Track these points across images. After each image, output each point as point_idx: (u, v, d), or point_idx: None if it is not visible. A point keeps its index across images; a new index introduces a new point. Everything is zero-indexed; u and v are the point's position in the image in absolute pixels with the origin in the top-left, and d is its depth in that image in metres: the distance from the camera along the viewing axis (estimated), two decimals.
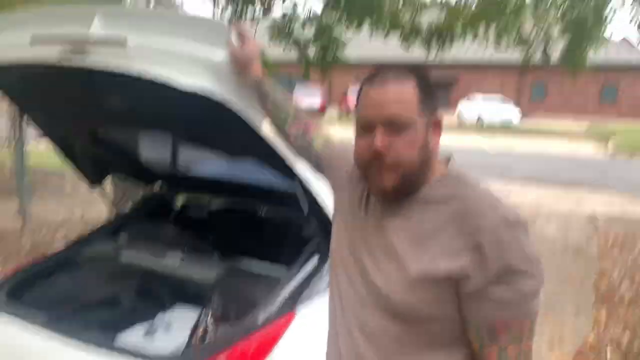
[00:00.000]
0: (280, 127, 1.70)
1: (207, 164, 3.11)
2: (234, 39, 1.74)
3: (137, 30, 1.84)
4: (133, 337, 2.26)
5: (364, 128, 1.19)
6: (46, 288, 2.39)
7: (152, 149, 2.92)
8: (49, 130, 2.60)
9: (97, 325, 2.28)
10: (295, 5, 5.51)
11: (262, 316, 2.04)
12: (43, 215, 6.49)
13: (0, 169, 8.38)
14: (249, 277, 2.40)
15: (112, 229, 2.88)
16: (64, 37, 1.95)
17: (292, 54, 5.94)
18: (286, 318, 2.06)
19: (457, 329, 1.17)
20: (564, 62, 5.31)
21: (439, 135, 1.22)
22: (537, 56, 5.59)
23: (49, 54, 1.96)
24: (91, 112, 2.31)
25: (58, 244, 5.40)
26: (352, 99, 26.80)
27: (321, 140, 1.62)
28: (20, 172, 5.85)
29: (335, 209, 1.49)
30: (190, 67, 1.76)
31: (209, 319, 2.02)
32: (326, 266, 2.35)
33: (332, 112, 29.55)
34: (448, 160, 1.29)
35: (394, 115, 1.15)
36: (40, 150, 9.03)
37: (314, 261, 2.33)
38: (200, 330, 2.00)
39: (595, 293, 5.01)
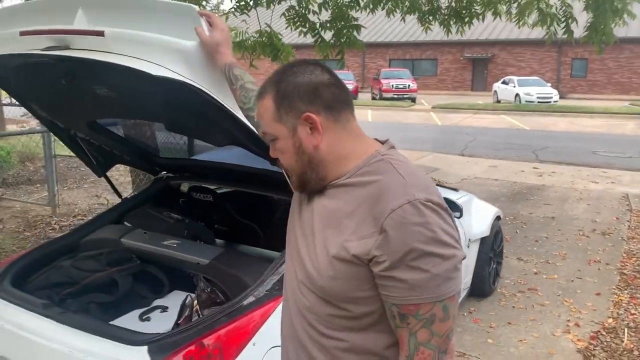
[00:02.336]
0: (249, 111, 1.72)
1: (213, 151, 3.17)
2: (203, 25, 1.77)
3: (115, 21, 1.88)
4: (128, 320, 2.34)
5: None
6: (48, 273, 2.49)
7: (153, 139, 2.99)
8: (47, 123, 2.69)
9: (98, 308, 2.37)
10: None
11: (249, 299, 2.08)
12: (71, 202, 6.73)
13: (31, 158, 8.70)
14: (241, 260, 2.44)
15: (116, 214, 2.97)
16: (48, 30, 2.01)
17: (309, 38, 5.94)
18: (276, 301, 2.09)
19: (383, 312, 1.18)
20: (589, 37, 5.10)
21: (317, 129, 1.20)
22: (561, 32, 5.37)
23: (35, 46, 2.03)
24: (83, 103, 2.37)
25: None
26: (384, 82, 26.53)
27: None
28: (48, 161, 6.06)
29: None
30: (162, 56, 1.79)
31: (194, 302, 2.07)
32: None
33: (365, 95, 29.33)
34: (384, 143, 1.29)
35: (263, 132, 1.27)
36: None
37: None
38: (185, 313, 2.05)
39: (619, 275, 4.86)
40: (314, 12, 5.67)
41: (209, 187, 3.32)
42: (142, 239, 2.67)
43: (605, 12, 4.74)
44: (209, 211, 3.34)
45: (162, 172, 3.29)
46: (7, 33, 2.10)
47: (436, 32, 6.37)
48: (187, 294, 2.33)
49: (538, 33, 29.66)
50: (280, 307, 2.10)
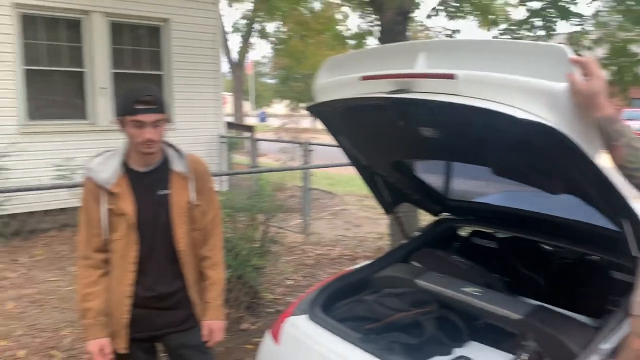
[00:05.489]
0: (634, 171, 1.56)
1: (501, 194, 3.02)
2: (576, 71, 1.63)
3: (466, 65, 1.87)
4: None
5: None
6: (351, 305, 2.57)
7: (445, 179, 2.97)
8: (352, 158, 2.82)
9: (402, 349, 2.34)
10: (583, 22, 5.01)
11: None
12: (316, 232, 7.17)
13: (280, 188, 9.60)
14: (559, 320, 2.20)
15: (403, 253, 2.97)
16: (389, 75, 2.11)
17: None
18: None
19: None
20: None
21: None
22: None
23: (376, 90, 2.13)
24: (402, 144, 2.43)
25: (338, 259, 5.90)
26: None
27: None
28: (306, 194, 6.56)
29: None
30: (522, 99, 1.70)
31: None
32: None
33: None
34: None
35: None
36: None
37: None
38: None
39: None
40: None
41: (493, 233, 3.16)
42: (439, 282, 2.60)
43: None
44: (488, 259, 3.17)
45: (444, 214, 3.23)
46: (349, 78, 2.26)
47: None
48: (504, 348, 2.17)
49: None
50: None
